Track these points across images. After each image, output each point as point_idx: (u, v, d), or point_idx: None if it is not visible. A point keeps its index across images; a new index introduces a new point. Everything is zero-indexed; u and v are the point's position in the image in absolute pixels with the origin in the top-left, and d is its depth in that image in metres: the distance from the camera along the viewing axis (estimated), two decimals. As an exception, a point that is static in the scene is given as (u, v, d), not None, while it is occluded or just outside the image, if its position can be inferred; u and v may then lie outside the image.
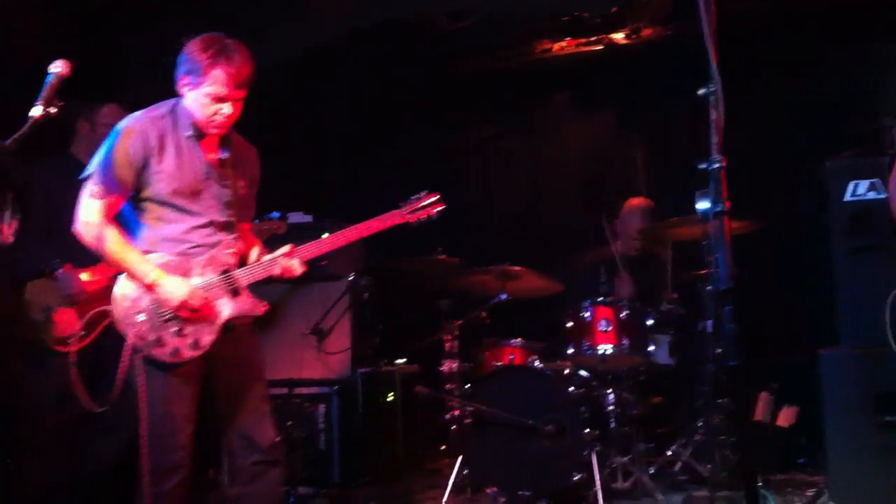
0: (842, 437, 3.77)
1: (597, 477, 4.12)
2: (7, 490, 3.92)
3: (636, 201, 5.42)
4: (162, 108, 2.96)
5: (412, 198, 3.28)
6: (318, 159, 6.52)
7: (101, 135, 3.87)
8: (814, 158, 4.16)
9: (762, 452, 4.63)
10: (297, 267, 3.05)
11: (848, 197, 3.86)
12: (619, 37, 5.87)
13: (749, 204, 3.81)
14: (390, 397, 5.03)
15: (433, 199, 3.28)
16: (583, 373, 4.61)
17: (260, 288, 3.04)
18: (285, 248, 3.06)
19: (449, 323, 4.77)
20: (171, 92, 3.02)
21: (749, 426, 4.49)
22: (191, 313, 2.87)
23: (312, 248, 3.08)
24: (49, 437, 3.83)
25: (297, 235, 3.32)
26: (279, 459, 3.06)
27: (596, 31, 5.81)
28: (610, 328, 4.43)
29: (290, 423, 4.61)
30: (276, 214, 4.08)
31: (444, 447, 5.16)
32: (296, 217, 4.95)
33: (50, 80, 2.48)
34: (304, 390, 4.80)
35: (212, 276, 2.95)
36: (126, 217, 2.96)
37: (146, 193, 2.90)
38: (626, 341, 4.44)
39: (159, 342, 2.85)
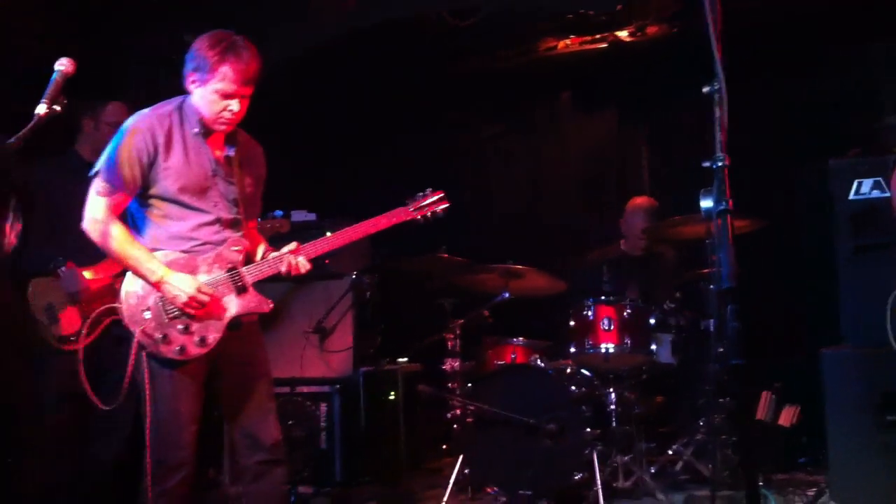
0: (843, 436, 3.77)
1: (598, 476, 4.12)
2: (7, 490, 3.91)
3: (640, 200, 5.41)
4: (169, 105, 2.96)
5: (418, 195, 3.28)
6: (318, 159, 6.52)
7: (106, 133, 3.89)
8: (815, 158, 4.16)
9: (764, 452, 4.63)
10: (303, 264, 3.05)
11: (852, 195, 3.86)
12: (623, 35, 5.86)
13: (750, 203, 3.80)
14: (392, 396, 5.02)
15: (438, 196, 3.28)
16: (585, 372, 4.61)
17: (262, 286, 3.04)
18: (291, 246, 3.06)
19: (451, 322, 4.77)
20: (171, 92, 3.03)
21: (751, 426, 4.49)
22: (197, 310, 2.87)
23: (318, 246, 3.08)
24: (49, 437, 3.82)
25: (301, 234, 3.33)
26: (283, 458, 3.05)
27: (601, 28, 5.80)
28: (612, 327, 4.43)
29: (291, 421, 4.61)
30: (279, 213, 4.08)
31: (445, 446, 5.16)
32: (299, 215, 4.96)
33: (55, 77, 2.48)
34: (306, 389, 4.80)
35: (218, 274, 2.95)
36: (133, 214, 2.96)
37: (153, 191, 2.90)
38: (628, 340, 4.44)
39: (166, 339, 2.85)
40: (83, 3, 4.80)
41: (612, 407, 4.44)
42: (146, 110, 2.95)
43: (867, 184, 3.81)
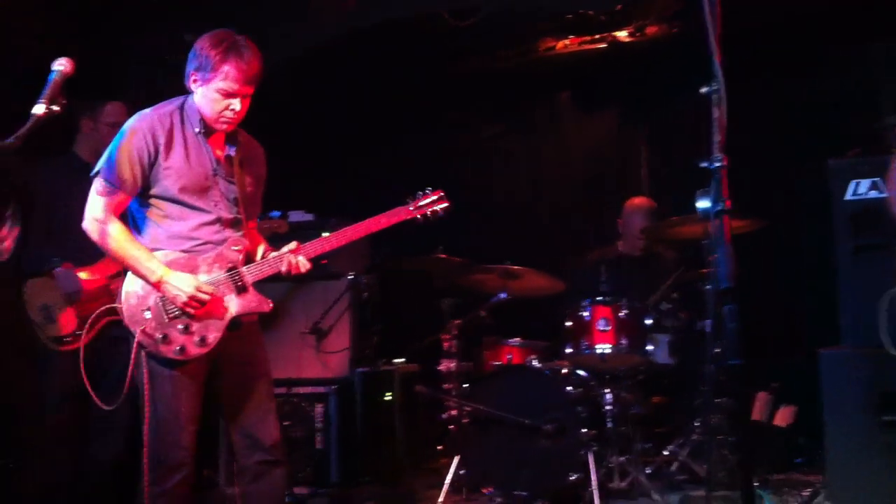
0: (841, 437, 3.76)
1: (594, 476, 4.12)
2: (7, 490, 3.92)
3: (638, 200, 5.41)
4: (171, 104, 2.97)
5: (418, 194, 3.28)
6: (318, 159, 6.52)
7: (105, 133, 3.91)
8: (815, 158, 4.16)
9: (760, 452, 4.63)
10: (303, 264, 3.05)
11: (849, 196, 3.86)
12: (623, 35, 5.86)
13: (750, 203, 3.80)
14: (389, 397, 5.02)
15: (438, 195, 3.29)
16: (581, 372, 4.61)
17: (260, 287, 3.04)
18: (291, 245, 3.07)
19: (449, 322, 4.77)
20: (170, 92, 3.03)
21: (747, 426, 4.49)
22: (197, 310, 2.87)
23: (319, 245, 3.08)
24: (49, 437, 3.83)
25: (299, 234, 3.34)
26: (283, 459, 3.05)
27: (600, 29, 5.80)
28: (609, 327, 4.43)
29: (288, 422, 4.61)
30: (276, 213, 4.09)
31: (442, 447, 5.16)
32: (297, 216, 4.96)
33: (53, 77, 2.48)
34: (303, 390, 4.80)
35: (219, 274, 2.95)
36: (133, 214, 2.97)
37: (154, 191, 2.91)
38: (624, 341, 4.44)
39: (166, 339, 2.85)
40: (83, 3, 4.80)
41: (609, 407, 4.44)
42: (147, 110, 2.96)
43: (864, 184, 3.81)
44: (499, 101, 6.69)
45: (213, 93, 2.88)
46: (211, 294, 2.88)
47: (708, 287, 4.24)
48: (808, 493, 4.17)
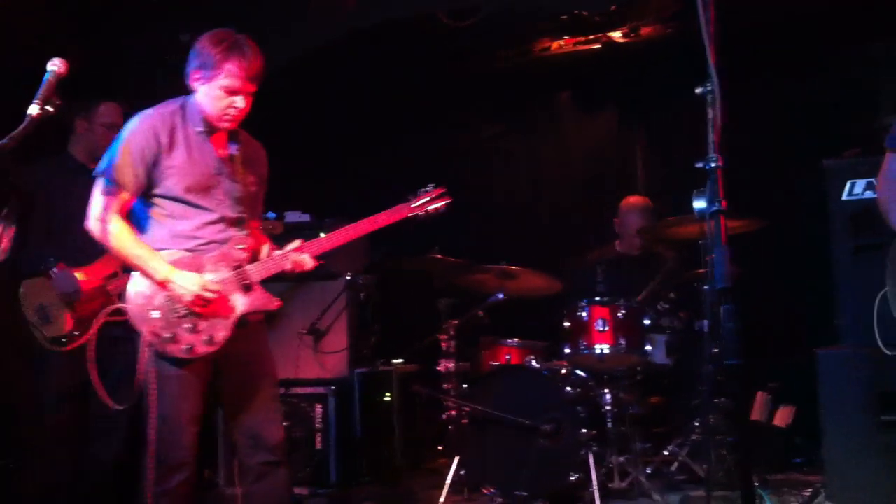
0: (840, 436, 3.76)
1: (594, 477, 4.12)
2: (7, 490, 3.92)
3: (634, 199, 5.41)
4: (172, 104, 2.98)
5: (420, 191, 3.28)
6: (318, 159, 6.52)
7: (99, 134, 3.91)
8: (814, 158, 4.16)
9: (759, 452, 4.63)
10: (307, 261, 3.06)
11: (845, 196, 3.87)
12: (617, 35, 5.86)
13: (749, 203, 3.80)
14: (388, 397, 5.02)
15: (440, 192, 3.29)
16: (580, 372, 4.60)
17: (264, 285, 3.04)
18: (295, 244, 3.07)
19: (446, 322, 4.77)
20: (169, 92, 3.03)
21: (746, 426, 4.49)
22: (205, 308, 2.87)
23: (322, 243, 3.09)
24: (49, 437, 3.83)
25: (295, 235, 3.32)
26: (286, 459, 3.05)
27: (595, 29, 5.80)
28: (607, 328, 4.43)
29: (287, 423, 4.60)
30: (272, 215, 4.09)
31: (441, 447, 5.16)
32: (293, 216, 4.96)
33: (47, 78, 2.48)
34: (301, 390, 4.80)
35: (224, 273, 2.96)
36: (137, 214, 2.97)
37: (157, 190, 2.91)
38: (623, 341, 4.43)
39: (174, 338, 2.85)
40: (83, 3, 4.81)
41: (608, 408, 4.43)
42: (149, 110, 2.96)
43: (860, 184, 3.82)
44: (499, 101, 6.69)
45: (215, 90, 2.88)
46: (217, 292, 2.89)
47: (706, 287, 4.25)
48: (808, 493, 4.16)
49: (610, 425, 4.41)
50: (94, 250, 3.47)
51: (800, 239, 5.34)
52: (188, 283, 2.84)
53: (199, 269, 2.91)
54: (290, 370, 4.82)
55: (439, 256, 4.76)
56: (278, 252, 3.07)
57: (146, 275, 2.86)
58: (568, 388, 4.37)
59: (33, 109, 2.41)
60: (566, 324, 4.56)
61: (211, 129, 2.97)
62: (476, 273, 4.77)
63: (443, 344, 4.75)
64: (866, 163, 3.85)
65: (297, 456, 4.62)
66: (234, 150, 3.04)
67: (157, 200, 2.93)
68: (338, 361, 4.89)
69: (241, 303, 2.96)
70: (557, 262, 5.22)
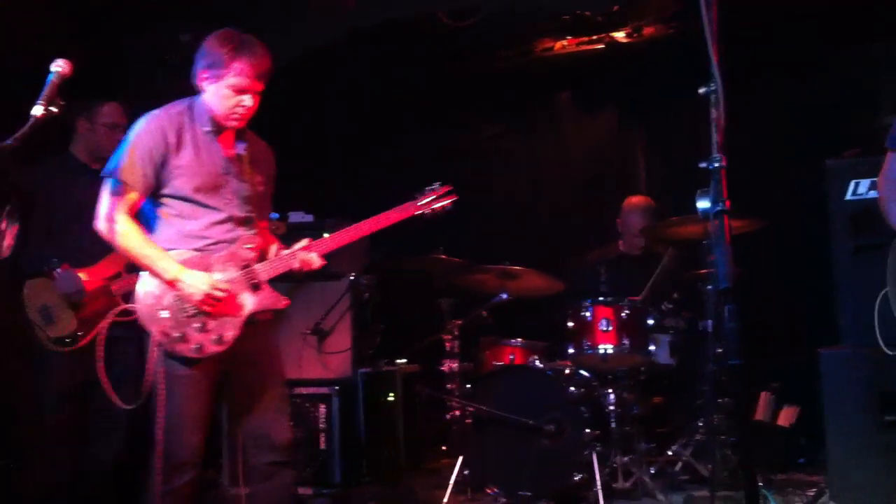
0: (843, 436, 3.77)
1: (597, 477, 4.12)
2: (7, 490, 3.92)
3: (636, 199, 5.42)
4: (179, 105, 2.98)
5: (426, 189, 3.28)
6: (318, 159, 6.51)
7: (101, 134, 3.91)
8: (814, 158, 4.16)
9: (763, 452, 4.63)
10: (315, 260, 3.06)
11: (849, 196, 3.87)
12: (620, 35, 5.86)
13: (749, 203, 3.80)
14: (391, 397, 5.02)
15: (446, 190, 3.29)
16: (583, 372, 4.61)
17: (272, 284, 3.04)
18: (303, 242, 3.07)
19: (449, 322, 4.77)
20: (169, 92, 3.03)
21: (750, 426, 4.49)
22: (214, 307, 2.87)
23: (329, 242, 3.08)
24: (49, 437, 3.82)
25: (298, 235, 3.32)
26: (292, 460, 3.05)
27: (597, 29, 5.80)
28: (610, 328, 4.43)
29: (290, 423, 4.60)
30: (274, 215, 4.08)
31: (444, 447, 5.16)
32: (296, 216, 4.96)
33: (51, 78, 2.48)
34: (305, 390, 4.80)
35: (232, 272, 2.95)
36: (145, 214, 2.97)
37: (166, 190, 2.91)
38: (626, 341, 4.44)
39: (183, 338, 2.84)
40: (83, 3, 4.80)
41: (611, 408, 4.44)
42: (156, 110, 2.96)
43: (864, 184, 3.82)
44: (499, 101, 6.69)
45: (224, 89, 2.89)
46: (226, 291, 2.89)
47: (708, 287, 4.25)
48: (812, 494, 4.16)
49: (613, 425, 4.42)
50: (93, 250, 3.47)
51: (800, 239, 5.34)
52: (197, 283, 2.83)
53: (207, 268, 2.91)
54: (293, 370, 4.80)
55: (443, 256, 4.75)
56: (286, 251, 3.08)
57: (155, 274, 2.86)
58: (571, 388, 4.37)
59: (37, 110, 2.41)
60: (570, 324, 4.56)
61: (218, 128, 2.97)
62: (477, 273, 4.77)
63: (447, 344, 4.75)
64: (867, 163, 3.85)
65: (300, 456, 4.61)
66: (241, 149, 3.04)
67: (165, 200, 2.93)
68: (341, 361, 4.88)
69: (249, 302, 2.96)
70: (557, 262, 5.22)
